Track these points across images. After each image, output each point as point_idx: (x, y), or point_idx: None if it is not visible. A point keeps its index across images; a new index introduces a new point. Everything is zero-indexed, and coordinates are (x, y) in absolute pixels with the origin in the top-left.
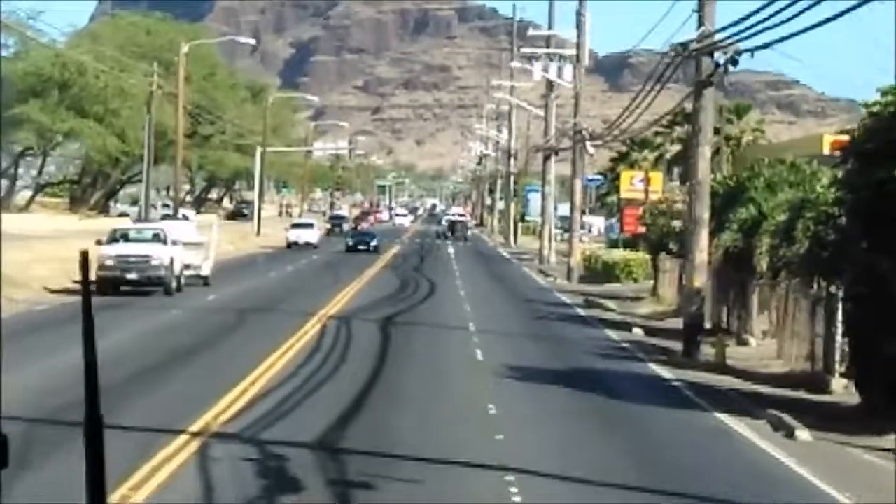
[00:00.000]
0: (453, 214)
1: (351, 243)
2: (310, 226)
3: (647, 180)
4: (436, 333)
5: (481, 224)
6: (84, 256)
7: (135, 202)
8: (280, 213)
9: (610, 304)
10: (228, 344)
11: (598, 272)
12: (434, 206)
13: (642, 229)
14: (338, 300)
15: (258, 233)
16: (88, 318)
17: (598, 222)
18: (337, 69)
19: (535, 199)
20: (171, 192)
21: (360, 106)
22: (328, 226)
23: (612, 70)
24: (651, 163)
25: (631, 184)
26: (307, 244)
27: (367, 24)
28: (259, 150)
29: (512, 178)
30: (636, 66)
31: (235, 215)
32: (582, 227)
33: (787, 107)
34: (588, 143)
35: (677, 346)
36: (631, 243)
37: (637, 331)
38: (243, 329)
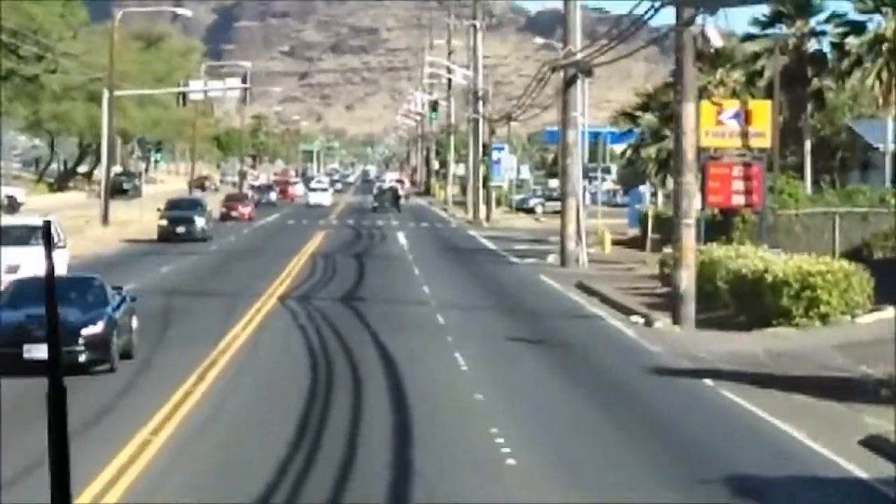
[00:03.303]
0: (389, 181)
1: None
2: (29, 236)
3: (746, 115)
4: None
5: (427, 192)
6: (47, 226)
7: None
8: (199, 186)
9: None
10: None
11: (711, 291)
12: (367, 172)
13: (741, 200)
14: None
15: (105, 219)
16: (52, 293)
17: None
18: (262, 34)
19: (504, 159)
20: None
21: (288, 71)
22: (163, 222)
23: (546, 27)
24: (731, 90)
25: (717, 122)
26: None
27: None
28: (106, 94)
29: (483, 129)
30: None
31: (113, 192)
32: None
33: None
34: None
35: None
36: (721, 227)
37: None
38: None
